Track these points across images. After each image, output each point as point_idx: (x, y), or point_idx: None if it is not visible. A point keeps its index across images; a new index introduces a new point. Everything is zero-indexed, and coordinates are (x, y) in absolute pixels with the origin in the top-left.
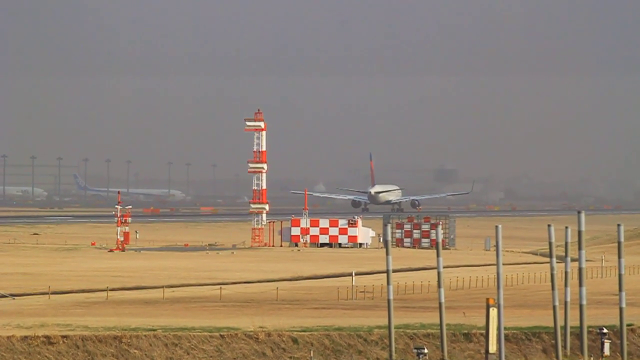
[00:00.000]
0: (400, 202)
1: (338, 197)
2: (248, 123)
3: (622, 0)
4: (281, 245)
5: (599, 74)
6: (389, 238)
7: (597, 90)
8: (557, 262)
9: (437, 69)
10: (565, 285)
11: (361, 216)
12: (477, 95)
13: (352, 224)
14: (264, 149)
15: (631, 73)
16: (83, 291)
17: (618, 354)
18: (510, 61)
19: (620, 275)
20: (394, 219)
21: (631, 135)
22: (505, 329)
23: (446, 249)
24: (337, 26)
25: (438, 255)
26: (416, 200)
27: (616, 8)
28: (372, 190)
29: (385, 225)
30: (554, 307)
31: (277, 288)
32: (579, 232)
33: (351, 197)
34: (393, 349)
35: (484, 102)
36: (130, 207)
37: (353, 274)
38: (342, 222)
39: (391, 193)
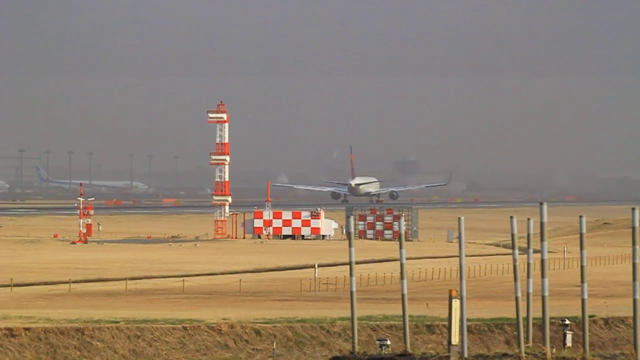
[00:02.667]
0: (379, 193)
1: (315, 188)
2: (210, 115)
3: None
4: (244, 237)
5: (558, 70)
6: (352, 230)
7: (558, 83)
8: (520, 254)
9: (397, 66)
10: (528, 277)
11: (324, 209)
12: (439, 89)
13: (315, 215)
14: (226, 140)
15: (591, 69)
16: (45, 283)
17: (580, 345)
18: (473, 58)
19: (582, 267)
20: (357, 211)
21: (593, 127)
22: (467, 320)
23: (409, 240)
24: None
25: (401, 247)
26: (395, 191)
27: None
28: (353, 183)
29: (347, 217)
30: (517, 299)
31: (240, 280)
32: (541, 224)
33: (331, 189)
34: (356, 341)
35: (445, 96)
36: (93, 199)
37: (316, 266)
38: (305, 214)
39: (370, 185)
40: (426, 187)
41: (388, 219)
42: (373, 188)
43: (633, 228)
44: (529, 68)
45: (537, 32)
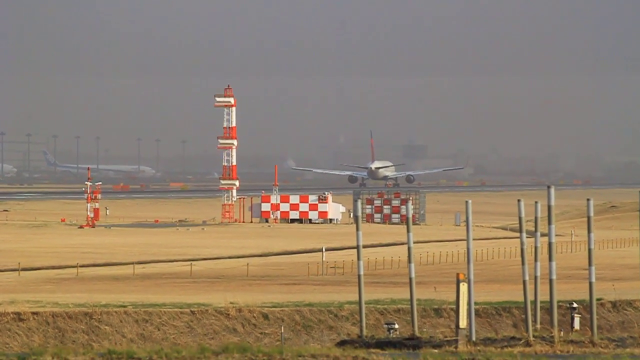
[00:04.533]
0: (396, 177)
1: (333, 172)
2: (218, 99)
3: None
4: (251, 222)
5: (565, 56)
6: (359, 214)
7: (565, 68)
8: (527, 237)
9: (408, 61)
10: (535, 260)
11: (331, 192)
12: (446, 74)
13: (323, 199)
14: (233, 125)
15: (599, 54)
16: (53, 268)
17: (588, 328)
18: (480, 45)
19: (589, 250)
20: (364, 195)
21: (600, 111)
22: (475, 304)
23: (416, 224)
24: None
25: (408, 231)
26: (411, 175)
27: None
28: (373, 166)
29: (355, 201)
30: (524, 282)
31: (248, 264)
32: (549, 207)
33: (349, 172)
34: (364, 325)
35: (451, 81)
36: (100, 183)
37: (323, 250)
38: (312, 198)
39: (388, 169)
40: (443, 170)
41: (395, 202)
42: (390, 172)
43: None
44: (536, 54)
45: (546, 20)
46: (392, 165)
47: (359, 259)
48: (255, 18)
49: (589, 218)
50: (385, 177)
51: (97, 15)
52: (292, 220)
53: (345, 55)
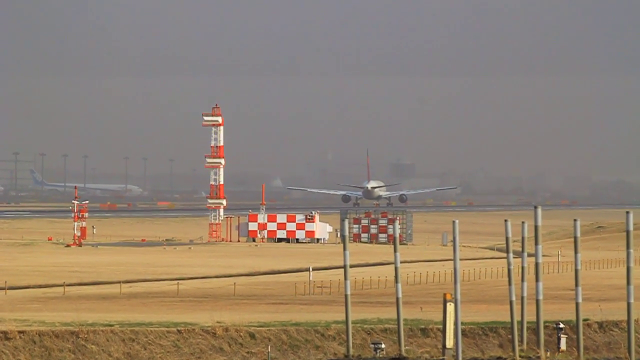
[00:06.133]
0: (389, 197)
1: (329, 192)
2: (205, 118)
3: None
4: (239, 241)
5: (552, 73)
6: (347, 233)
7: (551, 87)
8: (514, 257)
9: (390, 69)
10: (522, 280)
11: (318, 212)
12: (433, 92)
13: (310, 219)
14: (221, 143)
15: (585, 73)
16: (40, 286)
17: (574, 348)
18: (467, 62)
19: (576, 271)
20: (352, 214)
21: (587, 131)
22: (462, 323)
23: (403, 244)
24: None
25: (395, 251)
26: (404, 195)
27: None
28: (369, 186)
29: (342, 221)
30: (511, 302)
31: (235, 283)
32: (536, 227)
33: (343, 192)
34: (350, 344)
35: (439, 99)
36: (87, 202)
37: (310, 269)
38: (300, 218)
39: (382, 188)
40: (437, 190)
41: (382, 222)
42: (383, 192)
43: (627, 232)
44: (523, 72)
45: (530, 36)
46: (384, 186)
47: (346, 278)
48: (241, 34)
49: (575, 238)
50: (379, 197)
51: (86, 32)
52: (279, 240)
53: (334, 70)
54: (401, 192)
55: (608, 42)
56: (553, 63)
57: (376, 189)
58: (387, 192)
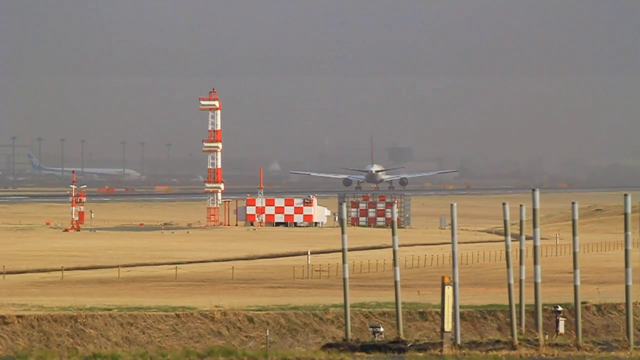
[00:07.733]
0: (391, 180)
1: (332, 176)
2: (202, 102)
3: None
4: (237, 225)
5: (550, 61)
6: (344, 217)
7: (549, 74)
8: (512, 240)
9: (388, 66)
10: (520, 264)
11: (316, 196)
12: (432, 78)
13: (308, 203)
14: (218, 128)
15: (582, 60)
16: (38, 271)
17: (572, 331)
18: (466, 50)
19: (574, 253)
20: (350, 198)
21: (583, 115)
22: (460, 307)
23: (401, 227)
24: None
25: (393, 234)
26: (405, 178)
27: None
28: (373, 169)
29: (340, 204)
30: (509, 285)
31: (233, 267)
32: (534, 210)
33: (344, 175)
34: (349, 328)
35: (437, 84)
36: (85, 186)
37: (308, 253)
38: (298, 202)
39: (384, 172)
40: (438, 173)
41: (380, 206)
42: (385, 175)
43: (625, 214)
44: (521, 59)
45: (529, 23)
46: (386, 170)
47: (344, 262)
48: (241, 22)
49: (573, 221)
50: (381, 181)
51: (84, 19)
52: (277, 224)
53: (330, 58)
54: (402, 176)
55: (607, 32)
56: (551, 50)
57: (379, 172)
58: (389, 176)
